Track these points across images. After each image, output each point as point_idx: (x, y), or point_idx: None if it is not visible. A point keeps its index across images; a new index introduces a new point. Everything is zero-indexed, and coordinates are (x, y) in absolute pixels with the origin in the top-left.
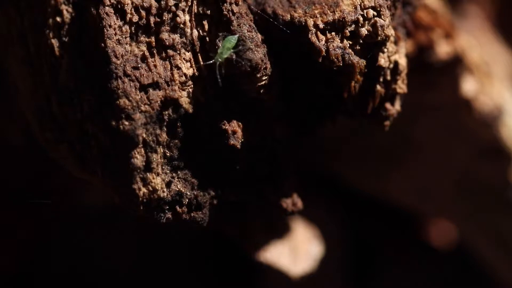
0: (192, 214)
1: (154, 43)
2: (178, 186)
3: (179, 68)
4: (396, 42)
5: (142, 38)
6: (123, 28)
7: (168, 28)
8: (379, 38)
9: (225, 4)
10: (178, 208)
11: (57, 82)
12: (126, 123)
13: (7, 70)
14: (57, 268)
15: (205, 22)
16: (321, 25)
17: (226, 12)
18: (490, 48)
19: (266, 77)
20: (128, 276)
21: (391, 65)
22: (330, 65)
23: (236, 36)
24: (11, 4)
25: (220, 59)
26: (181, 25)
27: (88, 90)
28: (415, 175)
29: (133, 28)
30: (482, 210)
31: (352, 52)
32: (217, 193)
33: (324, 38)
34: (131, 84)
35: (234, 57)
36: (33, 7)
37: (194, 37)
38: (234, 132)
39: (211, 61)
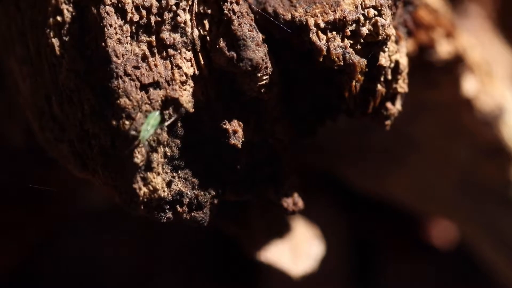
0: (192, 214)
1: (154, 43)
2: (179, 186)
3: (179, 68)
4: (397, 42)
5: (143, 37)
6: (124, 28)
7: (168, 27)
8: (380, 37)
9: (226, 3)
10: (178, 207)
11: (58, 81)
12: (127, 122)
13: (8, 69)
14: (57, 267)
15: (206, 22)
16: (322, 25)
17: (226, 12)
18: (491, 48)
19: (266, 77)
20: (129, 276)
21: (392, 65)
22: (331, 65)
23: (157, 111)
24: (12, 3)
25: (146, 138)
26: (182, 25)
27: (88, 89)
28: (415, 174)
29: (133, 27)
30: (482, 209)
31: (353, 52)
32: (218, 192)
33: (325, 38)
34: (132, 84)
35: (161, 132)
36: (34, 6)
37: (194, 36)
38: (234, 132)
39: (141, 144)
